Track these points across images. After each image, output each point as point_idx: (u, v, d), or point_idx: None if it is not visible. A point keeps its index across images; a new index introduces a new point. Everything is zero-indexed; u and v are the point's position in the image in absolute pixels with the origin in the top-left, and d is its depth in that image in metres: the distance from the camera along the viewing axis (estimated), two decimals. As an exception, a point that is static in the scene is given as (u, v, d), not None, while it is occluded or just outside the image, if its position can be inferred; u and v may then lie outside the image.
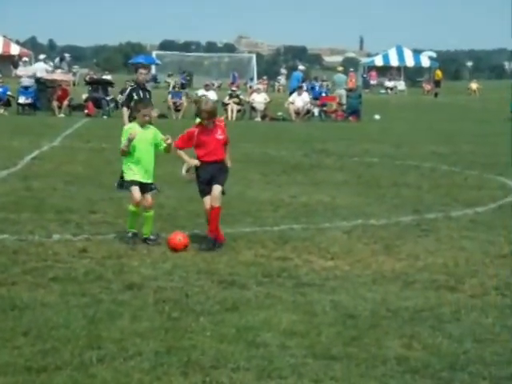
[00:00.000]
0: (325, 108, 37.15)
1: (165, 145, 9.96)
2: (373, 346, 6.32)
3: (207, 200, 9.75)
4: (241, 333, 6.51)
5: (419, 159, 20.00)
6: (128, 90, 14.81)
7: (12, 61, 54.97)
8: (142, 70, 15.18)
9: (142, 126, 9.95)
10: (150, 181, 10.07)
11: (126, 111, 14.23)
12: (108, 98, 34.95)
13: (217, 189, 9.72)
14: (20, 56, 52.38)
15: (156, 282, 8.06)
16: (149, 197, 9.97)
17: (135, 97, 14.19)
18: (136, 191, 9.85)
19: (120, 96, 34.89)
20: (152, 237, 9.86)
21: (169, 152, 10.11)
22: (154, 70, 56.42)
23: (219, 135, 9.82)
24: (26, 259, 8.87)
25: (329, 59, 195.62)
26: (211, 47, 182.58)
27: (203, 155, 9.80)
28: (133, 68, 61.12)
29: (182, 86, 44.69)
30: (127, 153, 9.86)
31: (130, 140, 9.76)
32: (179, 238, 9.54)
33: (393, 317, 7.12)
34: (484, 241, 10.50)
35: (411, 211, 12.58)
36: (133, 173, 9.90)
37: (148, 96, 14.41)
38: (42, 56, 46.90)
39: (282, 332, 6.58)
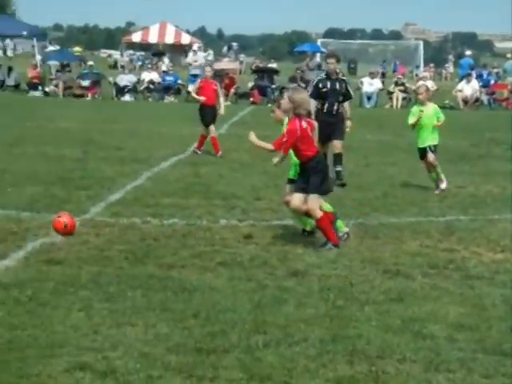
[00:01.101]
0: (495, 96, 35.93)
1: None
2: (547, 343, 6.06)
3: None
4: (406, 324, 6.42)
5: None
6: (315, 81, 14.19)
7: (183, 50, 56.48)
8: (330, 60, 14.14)
9: None
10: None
11: (312, 102, 13.33)
12: (273, 86, 35.36)
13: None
14: (190, 45, 53.82)
15: (320, 270, 8.07)
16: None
17: (322, 88, 13.72)
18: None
19: (292, 85, 35.22)
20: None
21: None
22: (318, 57, 56.46)
23: None
24: (194, 243, 9.12)
25: (500, 45, 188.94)
26: (377, 34, 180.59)
27: None
28: (299, 56, 61.45)
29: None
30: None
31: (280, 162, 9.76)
32: (59, 217, 9.22)
33: None
34: None
35: None
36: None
37: (338, 87, 13.75)
38: (196, 45, 47.52)
39: (450, 324, 6.44)
